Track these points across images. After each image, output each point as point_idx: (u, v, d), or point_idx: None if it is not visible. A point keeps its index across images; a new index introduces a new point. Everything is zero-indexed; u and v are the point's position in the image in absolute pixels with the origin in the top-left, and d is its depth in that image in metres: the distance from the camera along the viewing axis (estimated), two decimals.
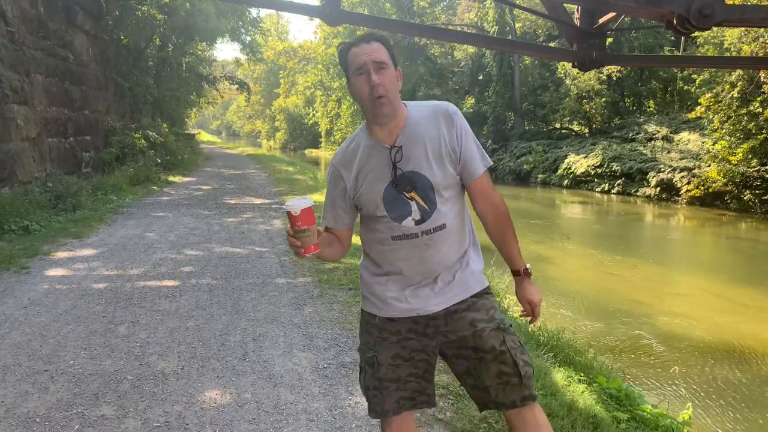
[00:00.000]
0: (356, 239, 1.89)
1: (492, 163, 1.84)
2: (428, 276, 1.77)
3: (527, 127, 30.68)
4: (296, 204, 1.59)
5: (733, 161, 16.10)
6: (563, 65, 25.96)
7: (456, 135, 1.74)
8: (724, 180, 16.55)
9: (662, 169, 19.39)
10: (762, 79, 15.41)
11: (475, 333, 1.74)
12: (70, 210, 8.94)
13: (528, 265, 1.87)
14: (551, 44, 24.26)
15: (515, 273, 1.88)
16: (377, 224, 1.77)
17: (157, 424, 2.80)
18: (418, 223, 1.73)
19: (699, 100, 18.31)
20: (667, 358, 5.74)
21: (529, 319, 1.90)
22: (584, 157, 23.31)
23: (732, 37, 16.91)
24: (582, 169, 22.88)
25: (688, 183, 18.11)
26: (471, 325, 1.75)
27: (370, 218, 1.79)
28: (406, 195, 1.71)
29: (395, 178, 1.70)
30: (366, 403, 1.91)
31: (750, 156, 15.90)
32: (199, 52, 28.64)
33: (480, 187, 1.80)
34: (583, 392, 3.42)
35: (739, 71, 15.80)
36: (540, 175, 25.21)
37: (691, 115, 20.07)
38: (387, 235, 1.75)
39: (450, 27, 31.91)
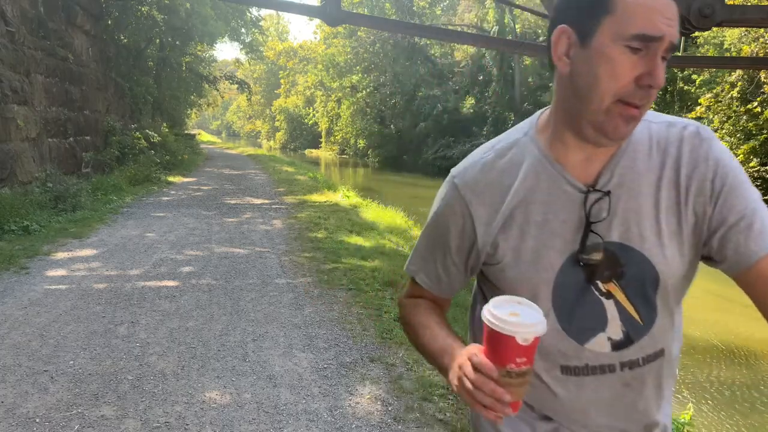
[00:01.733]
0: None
1: None
2: None
3: None
4: (529, 324, 0.80)
5: None
6: None
7: (711, 181, 0.93)
8: None
9: None
10: (762, 79, 15.43)
11: None
12: (69, 210, 8.94)
13: None
14: None
15: None
16: None
17: (157, 425, 2.80)
18: (617, 346, 0.95)
19: (699, 101, 18.32)
20: None
21: None
22: None
23: (732, 38, 16.94)
24: None
25: None
26: None
27: None
28: (602, 288, 0.94)
29: (585, 249, 0.93)
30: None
31: (750, 156, 15.92)
32: (199, 53, 28.65)
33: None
34: None
35: (739, 71, 15.81)
36: None
37: (691, 115, 20.06)
38: (554, 361, 0.98)
39: (450, 27, 31.93)
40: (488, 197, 0.97)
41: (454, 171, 1.04)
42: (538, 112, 1.02)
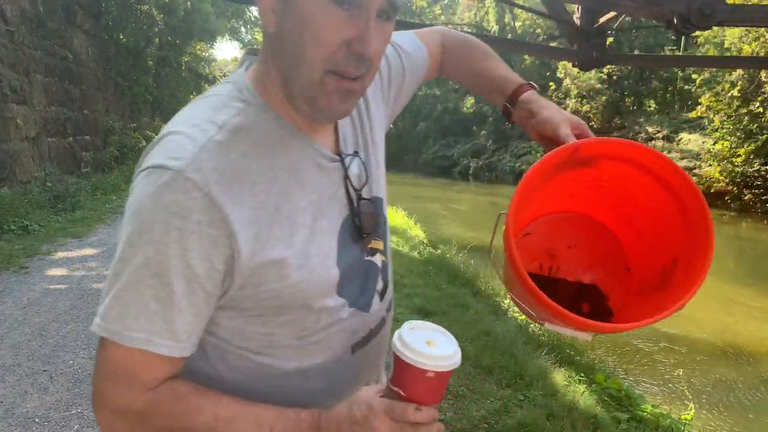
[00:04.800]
0: None
1: None
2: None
3: None
4: (442, 356, 0.72)
5: (736, 162, 16.16)
6: (563, 65, 25.98)
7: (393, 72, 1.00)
8: (726, 180, 16.59)
9: None
10: (762, 78, 15.43)
11: None
12: (69, 210, 8.93)
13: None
14: (551, 44, 24.31)
15: (516, 94, 1.01)
16: (309, 328, 0.81)
17: None
18: (381, 294, 0.90)
19: (700, 100, 18.33)
20: (669, 359, 5.73)
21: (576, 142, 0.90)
22: None
23: (732, 37, 16.93)
24: None
25: None
26: None
27: (286, 323, 0.79)
28: (370, 248, 0.88)
29: (361, 221, 0.84)
30: None
31: (752, 157, 15.94)
32: (199, 52, 28.65)
33: (428, 51, 1.09)
34: (583, 392, 3.42)
35: (739, 71, 15.81)
36: None
37: (692, 115, 20.08)
38: (343, 346, 0.85)
39: (450, 27, 31.89)
40: (242, 189, 0.71)
41: (172, 163, 0.69)
42: (242, 71, 0.81)
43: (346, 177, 0.83)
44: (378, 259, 0.90)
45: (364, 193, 0.87)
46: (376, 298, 0.89)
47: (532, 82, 1.03)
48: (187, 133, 0.72)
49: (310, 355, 0.82)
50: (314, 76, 0.72)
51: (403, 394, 0.72)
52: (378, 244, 0.90)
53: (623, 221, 1.07)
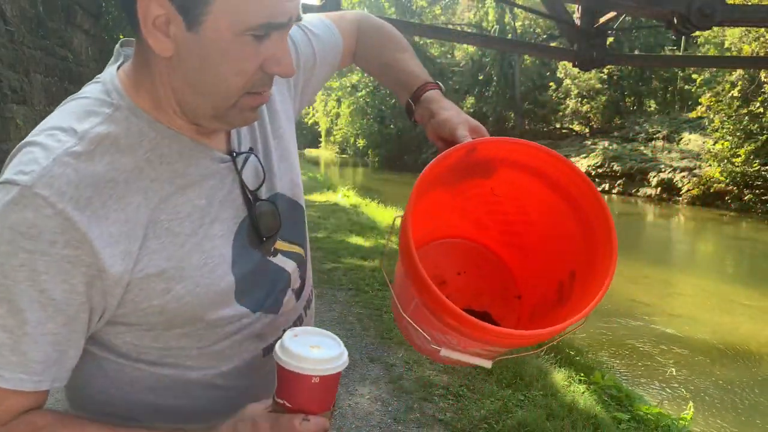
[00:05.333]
0: None
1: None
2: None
3: (528, 127, 30.73)
4: (325, 358, 0.69)
5: (736, 162, 16.17)
6: (564, 65, 25.98)
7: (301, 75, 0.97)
8: (726, 180, 16.60)
9: (663, 169, 19.41)
10: (762, 78, 15.45)
11: None
12: None
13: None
14: (552, 44, 24.31)
15: (420, 92, 0.98)
16: (208, 339, 0.79)
17: None
18: (298, 293, 0.90)
19: (700, 100, 18.35)
20: (668, 359, 5.74)
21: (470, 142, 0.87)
22: (584, 157, 23.33)
23: (732, 37, 16.94)
24: (582, 169, 22.76)
25: (689, 183, 18.15)
26: None
27: (180, 336, 0.77)
28: (273, 251, 0.85)
29: (260, 223, 0.81)
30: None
31: (752, 157, 15.95)
32: None
33: (342, 42, 1.06)
34: (583, 393, 3.42)
35: (739, 71, 15.83)
36: None
37: (692, 115, 20.09)
38: (254, 352, 0.83)
39: (450, 26, 31.95)
40: (106, 203, 0.67)
41: (20, 178, 0.64)
42: (113, 69, 0.75)
43: (240, 178, 0.79)
44: (282, 259, 0.85)
45: (263, 192, 0.82)
46: (291, 297, 0.87)
47: (438, 82, 1.00)
48: (43, 143, 0.67)
49: (214, 365, 0.80)
50: (231, 102, 0.71)
51: (288, 405, 0.68)
52: (283, 246, 0.85)
53: (512, 243, 1.03)
